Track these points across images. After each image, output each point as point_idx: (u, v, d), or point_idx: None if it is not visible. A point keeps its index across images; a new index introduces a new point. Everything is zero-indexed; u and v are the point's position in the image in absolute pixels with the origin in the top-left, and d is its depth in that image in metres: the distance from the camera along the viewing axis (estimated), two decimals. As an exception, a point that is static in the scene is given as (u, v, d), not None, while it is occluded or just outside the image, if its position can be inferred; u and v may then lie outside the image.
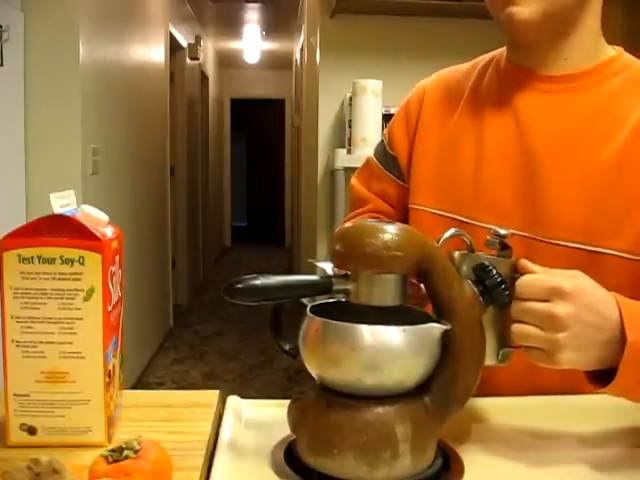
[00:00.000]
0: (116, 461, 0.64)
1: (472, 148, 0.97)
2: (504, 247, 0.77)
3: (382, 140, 1.16)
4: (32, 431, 0.78)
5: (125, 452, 0.64)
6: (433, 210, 1.00)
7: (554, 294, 0.71)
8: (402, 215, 1.09)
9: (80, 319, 0.77)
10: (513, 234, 0.77)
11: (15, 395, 0.78)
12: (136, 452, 0.65)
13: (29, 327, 0.77)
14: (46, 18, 2.49)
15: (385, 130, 1.15)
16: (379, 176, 1.15)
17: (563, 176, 0.91)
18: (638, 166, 0.88)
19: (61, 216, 0.76)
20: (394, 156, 1.10)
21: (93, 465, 0.64)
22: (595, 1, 0.93)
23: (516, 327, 0.73)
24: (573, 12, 0.90)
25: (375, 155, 1.17)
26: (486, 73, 1.03)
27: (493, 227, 0.77)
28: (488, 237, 0.78)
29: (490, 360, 0.78)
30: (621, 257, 0.88)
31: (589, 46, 0.94)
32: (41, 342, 0.77)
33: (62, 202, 0.79)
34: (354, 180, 1.22)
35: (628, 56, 0.97)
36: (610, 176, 0.89)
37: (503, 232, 0.77)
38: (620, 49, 0.98)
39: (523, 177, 0.93)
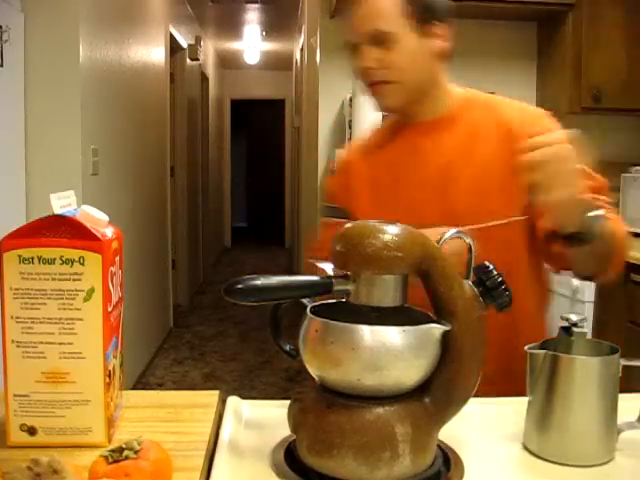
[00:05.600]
0: (116, 461, 0.64)
1: (391, 185, 1.23)
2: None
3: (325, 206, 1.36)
4: (32, 431, 0.78)
5: (125, 452, 0.64)
6: None
7: None
8: None
9: (80, 319, 0.77)
10: (584, 319, 0.86)
11: (15, 395, 0.78)
12: (136, 452, 0.65)
13: (29, 327, 0.77)
14: (46, 18, 2.49)
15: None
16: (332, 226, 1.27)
17: (460, 181, 1.17)
18: (503, 157, 1.15)
19: (61, 216, 0.76)
20: (337, 206, 1.30)
21: (93, 465, 0.64)
22: (441, 67, 1.20)
23: None
24: (427, 84, 1.19)
25: (324, 217, 1.35)
26: (388, 133, 1.30)
27: (565, 315, 0.84)
28: (560, 325, 0.84)
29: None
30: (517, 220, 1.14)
31: (446, 94, 1.23)
32: (41, 342, 0.77)
33: (62, 202, 0.79)
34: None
35: (472, 91, 1.27)
36: (488, 169, 1.17)
37: (574, 318, 0.82)
38: (466, 89, 1.27)
39: (434, 190, 1.18)
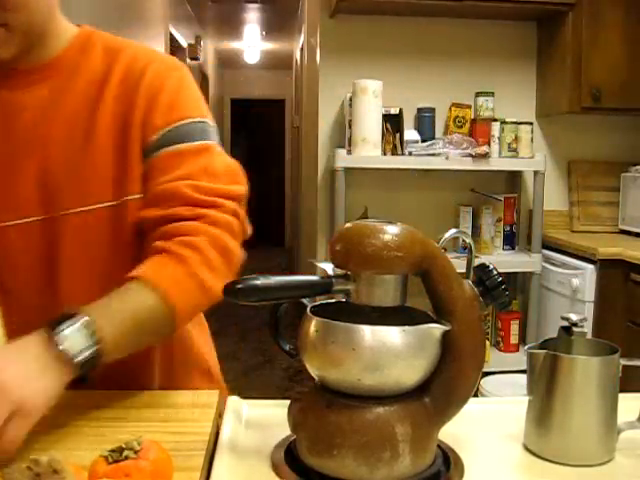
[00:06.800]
0: (116, 461, 0.64)
1: None
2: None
3: None
4: None
5: (125, 452, 0.64)
6: None
7: None
8: None
9: None
10: (584, 319, 0.82)
11: None
12: (136, 452, 0.65)
13: None
14: (46, 18, 2.49)
15: None
16: None
17: (52, 149, 0.93)
18: (115, 119, 0.93)
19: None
20: None
21: (93, 465, 0.64)
22: (56, 9, 0.95)
23: None
24: (45, 24, 0.93)
25: None
26: None
27: (565, 315, 0.82)
28: (560, 325, 0.83)
29: None
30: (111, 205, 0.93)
31: (58, 34, 0.96)
32: None
33: None
34: None
35: (92, 31, 1.00)
36: (92, 134, 0.93)
37: (574, 318, 0.81)
38: (84, 26, 1.01)
39: (28, 162, 0.93)
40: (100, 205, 0.93)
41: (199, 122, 0.97)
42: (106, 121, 0.94)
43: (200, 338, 1.12)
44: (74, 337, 0.75)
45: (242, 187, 0.99)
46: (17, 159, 0.93)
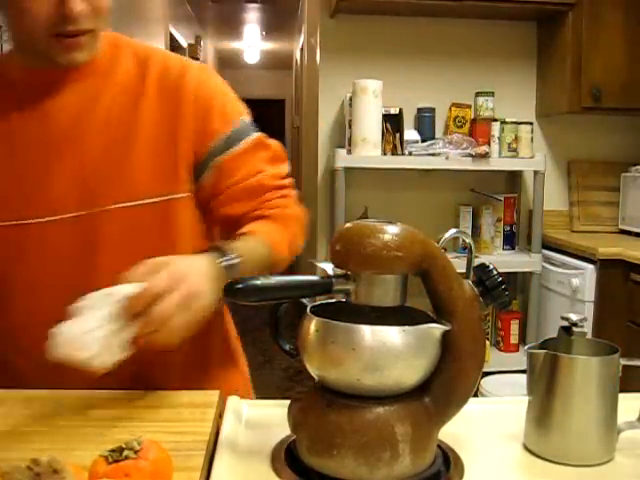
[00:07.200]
0: (116, 461, 0.64)
1: (5, 156, 0.96)
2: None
3: None
4: None
5: (125, 452, 0.64)
6: None
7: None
8: None
9: None
10: (584, 319, 0.83)
11: None
12: (136, 452, 0.65)
13: None
14: (46, 18, 2.48)
15: None
16: None
17: (92, 147, 0.96)
18: (157, 120, 0.99)
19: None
20: None
21: (93, 465, 0.64)
22: None
23: None
24: None
25: None
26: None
27: (565, 315, 0.83)
28: (560, 325, 0.83)
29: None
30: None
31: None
32: None
33: None
34: None
35: (118, 35, 1.04)
36: (132, 133, 0.98)
37: (574, 318, 0.81)
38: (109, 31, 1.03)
39: (63, 160, 0.96)
40: (142, 202, 0.97)
41: (244, 119, 1.07)
42: (147, 126, 0.99)
43: (231, 330, 1.19)
44: (228, 273, 0.86)
45: (287, 164, 1.12)
46: (52, 158, 0.96)
